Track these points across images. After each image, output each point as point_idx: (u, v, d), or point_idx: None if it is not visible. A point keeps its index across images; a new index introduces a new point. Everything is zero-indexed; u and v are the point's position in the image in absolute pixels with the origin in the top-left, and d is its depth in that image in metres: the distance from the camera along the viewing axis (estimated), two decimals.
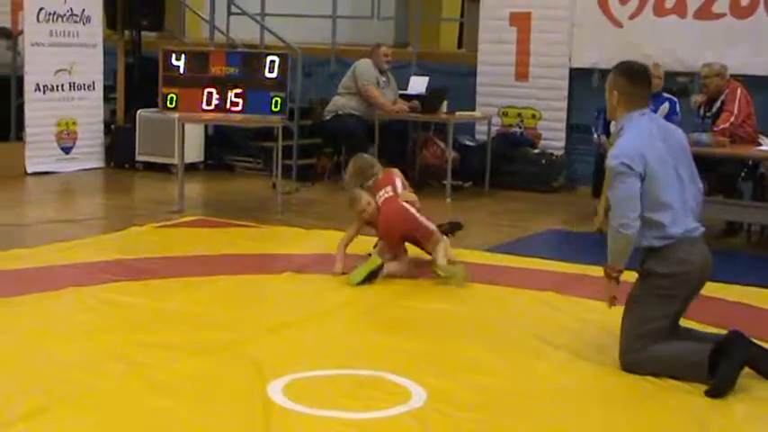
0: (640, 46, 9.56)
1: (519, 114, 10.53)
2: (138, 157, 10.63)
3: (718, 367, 4.35)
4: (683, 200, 4.56)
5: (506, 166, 10.06)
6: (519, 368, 4.63)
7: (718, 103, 8.09)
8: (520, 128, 10.50)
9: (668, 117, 7.99)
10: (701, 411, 4.16)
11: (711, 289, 5.78)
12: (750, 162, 8.11)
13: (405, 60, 11.05)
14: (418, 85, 10.29)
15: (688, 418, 4.10)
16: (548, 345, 4.93)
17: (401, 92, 10.16)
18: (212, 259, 6.59)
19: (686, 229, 4.53)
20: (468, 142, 10.31)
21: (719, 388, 4.31)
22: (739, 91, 8.05)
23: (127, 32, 11.16)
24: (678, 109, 8.38)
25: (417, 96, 10.01)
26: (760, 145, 7.98)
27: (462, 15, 12.73)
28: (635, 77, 4.64)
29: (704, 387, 4.34)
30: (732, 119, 7.93)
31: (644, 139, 4.52)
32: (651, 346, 4.52)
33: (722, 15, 9.50)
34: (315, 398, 4.11)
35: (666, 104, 8.31)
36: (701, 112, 8.19)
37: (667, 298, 4.54)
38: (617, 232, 4.50)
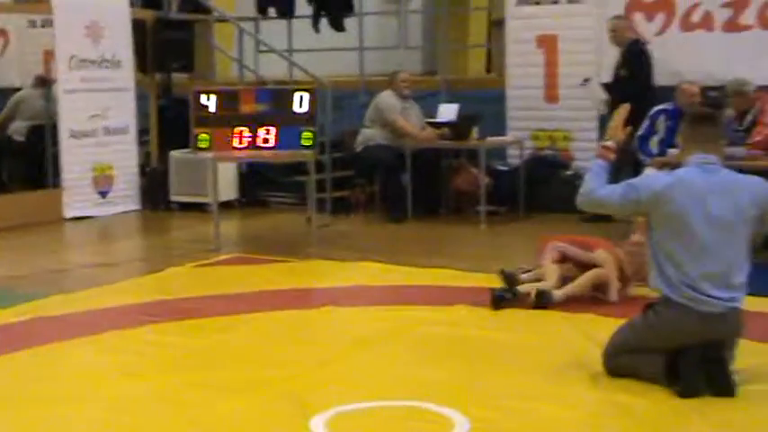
0: (670, 62, 9.52)
1: (550, 137, 10.50)
2: (173, 198, 10.73)
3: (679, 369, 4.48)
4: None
5: (540, 188, 10.01)
6: (561, 395, 4.58)
7: (750, 117, 8.03)
8: (552, 150, 10.47)
9: None
10: None
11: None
12: None
13: (433, 88, 11.08)
14: (448, 112, 10.29)
15: None
16: (590, 371, 4.86)
17: (431, 120, 10.17)
18: (251, 296, 6.62)
19: (684, 295, 4.49)
20: (500, 167, 10.30)
21: (684, 390, 4.42)
22: None
23: (158, 75, 11.29)
24: None
25: (448, 123, 10.01)
26: None
27: (489, 41, 12.75)
28: (694, 121, 4.80)
29: None
30: (766, 131, 7.86)
31: (670, 179, 4.63)
32: (620, 356, 4.71)
33: (750, 27, 9.47)
34: (359, 431, 4.10)
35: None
36: (734, 126, 8.13)
37: (654, 341, 4.64)
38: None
